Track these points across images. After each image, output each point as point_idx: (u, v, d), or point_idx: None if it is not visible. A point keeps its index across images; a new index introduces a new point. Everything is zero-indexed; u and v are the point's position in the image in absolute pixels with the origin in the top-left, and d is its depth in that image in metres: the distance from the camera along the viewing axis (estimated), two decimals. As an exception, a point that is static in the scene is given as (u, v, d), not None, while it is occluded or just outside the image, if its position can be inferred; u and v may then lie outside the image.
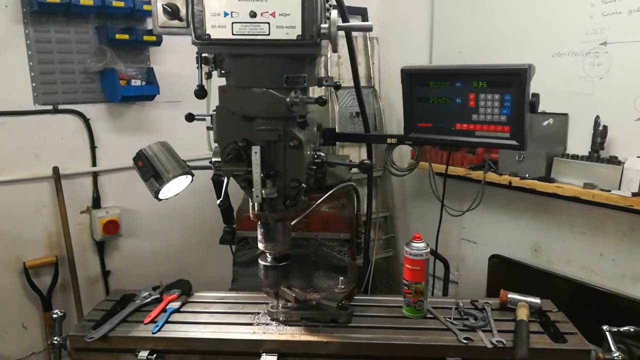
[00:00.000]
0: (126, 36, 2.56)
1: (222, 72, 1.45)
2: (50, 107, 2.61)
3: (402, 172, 2.04)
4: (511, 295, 1.76)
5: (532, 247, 2.97)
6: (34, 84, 2.54)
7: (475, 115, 1.63)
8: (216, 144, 1.52)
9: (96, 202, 2.81)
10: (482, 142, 1.69)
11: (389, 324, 1.68)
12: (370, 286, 2.13)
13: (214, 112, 1.49)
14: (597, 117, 2.51)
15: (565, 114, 2.69)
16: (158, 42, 2.69)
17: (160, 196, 1.68)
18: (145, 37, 2.62)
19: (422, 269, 1.70)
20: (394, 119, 3.71)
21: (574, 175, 2.53)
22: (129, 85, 2.62)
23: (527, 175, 2.66)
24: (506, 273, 2.97)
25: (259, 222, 1.61)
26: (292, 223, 1.87)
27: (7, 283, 2.63)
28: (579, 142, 2.63)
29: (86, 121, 2.73)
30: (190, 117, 1.55)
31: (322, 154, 1.56)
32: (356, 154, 3.60)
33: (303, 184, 1.50)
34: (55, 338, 1.66)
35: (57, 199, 2.64)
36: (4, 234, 2.60)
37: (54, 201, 2.66)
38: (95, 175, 2.81)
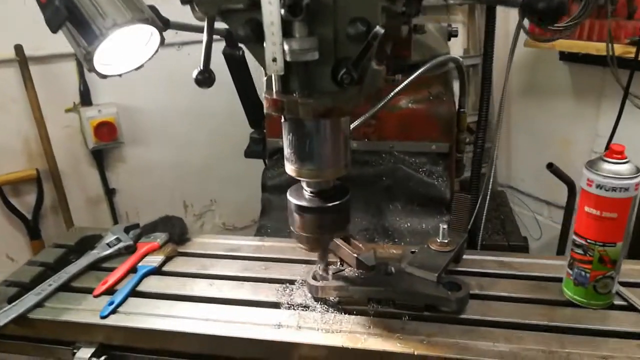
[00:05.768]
0: None
1: None
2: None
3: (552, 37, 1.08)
4: None
5: None
6: None
7: None
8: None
9: (85, 97, 2.05)
10: None
11: (539, 319, 0.87)
12: (481, 236, 1.27)
13: None
14: None
15: None
16: None
17: (100, 68, 0.88)
18: None
19: (622, 216, 0.82)
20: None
21: None
22: None
23: None
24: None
25: (283, 119, 0.78)
26: (353, 125, 1.05)
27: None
28: None
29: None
30: None
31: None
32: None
33: (378, 28, 0.63)
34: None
35: (26, 90, 1.90)
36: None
37: (25, 94, 1.93)
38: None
